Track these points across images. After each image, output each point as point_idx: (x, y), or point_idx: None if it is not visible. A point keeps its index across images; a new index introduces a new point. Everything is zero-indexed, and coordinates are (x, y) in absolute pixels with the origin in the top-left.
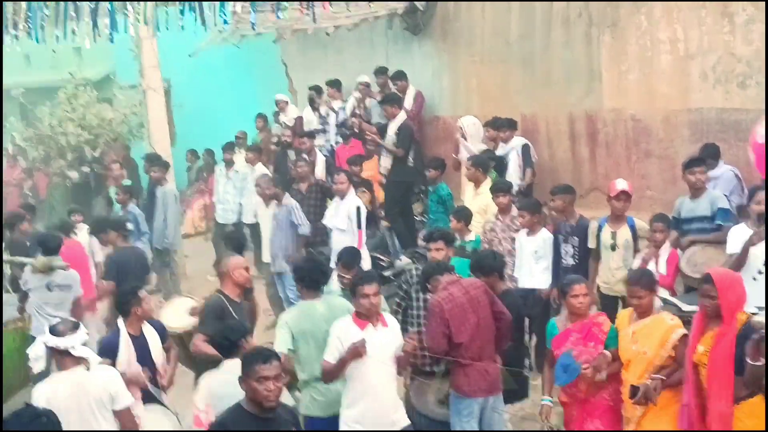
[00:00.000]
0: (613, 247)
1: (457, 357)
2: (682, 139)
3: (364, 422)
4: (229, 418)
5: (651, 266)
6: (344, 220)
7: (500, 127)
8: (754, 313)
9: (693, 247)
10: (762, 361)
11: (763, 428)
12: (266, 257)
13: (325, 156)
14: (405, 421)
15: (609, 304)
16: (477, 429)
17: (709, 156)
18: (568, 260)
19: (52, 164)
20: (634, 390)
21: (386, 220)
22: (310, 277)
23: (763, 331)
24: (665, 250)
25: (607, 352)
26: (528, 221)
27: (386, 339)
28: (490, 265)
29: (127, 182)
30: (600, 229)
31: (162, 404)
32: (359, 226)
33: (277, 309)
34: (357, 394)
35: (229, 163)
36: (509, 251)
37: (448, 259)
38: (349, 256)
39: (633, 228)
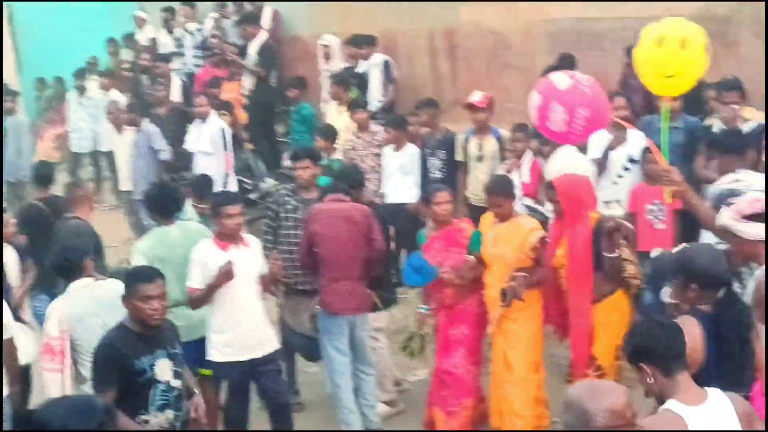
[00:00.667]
0: (480, 158)
1: (325, 274)
2: (540, 51)
3: (234, 345)
4: (114, 338)
5: (514, 176)
6: (208, 143)
7: (360, 44)
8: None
9: (554, 153)
10: (617, 252)
11: (626, 321)
12: (125, 185)
13: (182, 80)
14: (274, 341)
15: (479, 215)
16: (347, 346)
17: (564, 66)
18: (436, 173)
19: None
20: (504, 294)
21: (250, 142)
22: (161, 204)
23: (612, 223)
24: (527, 160)
25: (470, 257)
26: (393, 137)
27: (249, 259)
28: (353, 177)
29: None
30: (467, 141)
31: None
32: (225, 149)
33: (140, 236)
34: (225, 318)
35: (81, 90)
36: (372, 167)
37: (314, 178)
38: (202, 185)
39: (499, 139)
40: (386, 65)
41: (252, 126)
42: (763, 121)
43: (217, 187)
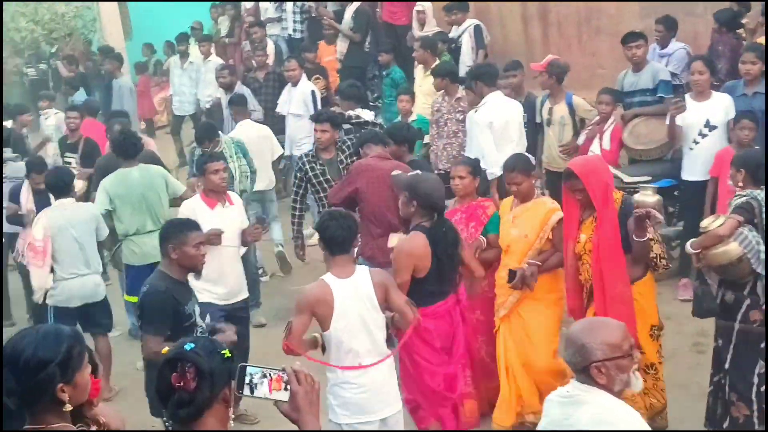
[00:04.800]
0: (548, 122)
1: (368, 229)
2: (632, 16)
3: (217, 291)
4: (165, 285)
5: (595, 142)
6: (299, 105)
7: (453, 9)
8: (634, 188)
9: (635, 119)
10: (646, 236)
11: (653, 305)
12: None
13: (278, 45)
14: (246, 290)
15: (552, 180)
16: None
17: (666, 28)
18: None
19: (8, 62)
20: (512, 274)
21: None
22: (124, 148)
23: (640, 210)
24: (610, 126)
25: (482, 238)
26: (474, 100)
27: (233, 217)
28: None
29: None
30: (542, 104)
31: None
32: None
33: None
34: (212, 268)
35: (183, 55)
36: (455, 132)
37: (332, 140)
38: (204, 131)
39: (570, 105)
40: (477, 30)
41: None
42: None
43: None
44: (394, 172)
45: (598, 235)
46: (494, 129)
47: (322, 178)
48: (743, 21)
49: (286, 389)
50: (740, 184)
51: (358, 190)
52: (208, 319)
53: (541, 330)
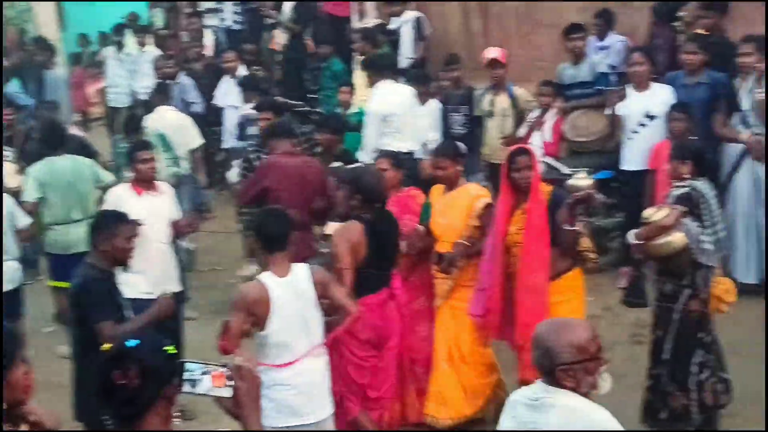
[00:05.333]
0: (490, 114)
1: None
2: (571, 8)
3: (144, 282)
4: (99, 274)
5: (536, 134)
6: (237, 97)
7: (393, 1)
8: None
9: (575, 112)
10: (576, 226)
11: (581, 299)
12: None
13: (217, 36)
14: (177, 281)
15: (494, 173)
16: None
17: (605, 21)
18: (458, 129)
19: None
20: (440, 257)
21: (283, 97)
22: (48, 139)
23: (577, 194)
24: (551, 118)
25: (420, 227)
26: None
27: (162, 206)
28: (333, 125)
29: None
30: (482, 96)
31: None
32: None
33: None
34: (136, 258)
35: (119, 46)
36: None
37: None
38: (130, 122)
39: (512, 96)
40: (418, 22)
41: (283, 82)
42: None
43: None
44: (334, 164)
45: (528, 224)
46: (384, 117)
47: None
48: (681, 14)
49: (228, 385)
50: (686, 175)
51: (268, 188)
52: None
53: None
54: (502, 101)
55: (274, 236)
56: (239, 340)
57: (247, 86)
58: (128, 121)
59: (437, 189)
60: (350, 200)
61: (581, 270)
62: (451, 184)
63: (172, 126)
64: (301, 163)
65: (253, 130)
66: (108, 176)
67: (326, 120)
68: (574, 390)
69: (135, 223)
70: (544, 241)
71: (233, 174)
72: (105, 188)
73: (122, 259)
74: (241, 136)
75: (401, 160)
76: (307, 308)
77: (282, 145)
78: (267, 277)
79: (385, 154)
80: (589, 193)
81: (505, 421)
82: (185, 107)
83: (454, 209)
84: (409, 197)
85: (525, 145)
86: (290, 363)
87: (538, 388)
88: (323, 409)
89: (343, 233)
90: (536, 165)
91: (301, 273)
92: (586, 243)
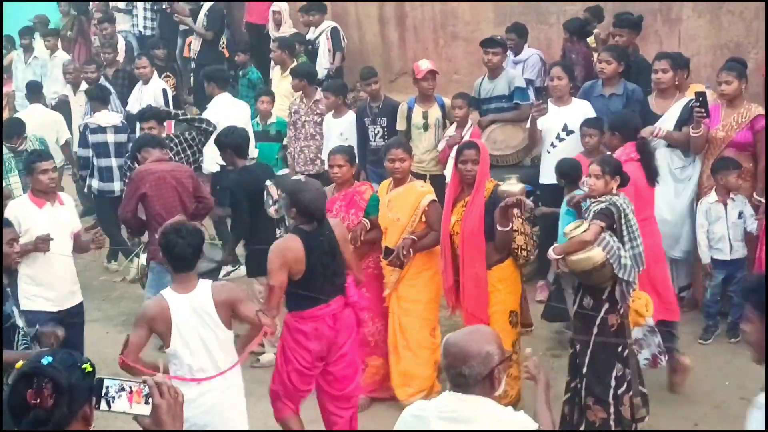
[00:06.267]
0: (426, 127)
1: (156, 229)
2: (487, 22)
3: (44, 295)
4: None
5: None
6: (151, 103)
7: (310, 11)
8: (498, 183)
9: (492, 125)
10: (509, 226)
11: (517, 288)
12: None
13: (129, 41)
14: (80, 295)
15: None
16: None
17: (518, 36)
18: (378, 142)
19: None
20: (388, 251)
21: (194, 105)
22: None
23: (510, 199)
24: (467, 131)
25: (365, 221)
26: (332, 103)
27: (63, 218)
28: (226, 141)
29: None
30: (410, 110)
31: None
32: None
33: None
34: (37, 270)
35: (27, 49)
36: (312, 134)
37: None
38: (12, 127)
39: (443, 107)
40: (334, 32)
41: (197, 89)
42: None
43: None
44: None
45: (464, 218)
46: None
47: None
48: (594, 31)
49: (147, 402)
50: (614, 190)
51: (145, 196)
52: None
53: (419, 305)
54: (435, 112)
55: (183, 257)
56: (138, 355)
57: (95, 98)
58: (9, 126)
59: (385, 183)
60: (288, 211)
61: (514, 263)
62: (403, 178)
63: (42, 123)
64: (173, 168)
65: (95, 138)
66: None
67: (218, 138)
68: (490, 394)
69: (14, 228)
70: (480, 236)
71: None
72: None
73: (6, 265)
74: (83, 143)
75: (355, 157)
76: (205, 326)
77: (152, 154)
78: (168, 293)
79: (340, 149)
80: (520, 198)
81: None
82: None
83: (401, 205)
84: (356, 192)
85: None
86: (195, 380)
87: (449, 399)
88: (236, 428)
89: (276, 248)
90: (483, 160)
91: (202, 290)
92: (520, 240)
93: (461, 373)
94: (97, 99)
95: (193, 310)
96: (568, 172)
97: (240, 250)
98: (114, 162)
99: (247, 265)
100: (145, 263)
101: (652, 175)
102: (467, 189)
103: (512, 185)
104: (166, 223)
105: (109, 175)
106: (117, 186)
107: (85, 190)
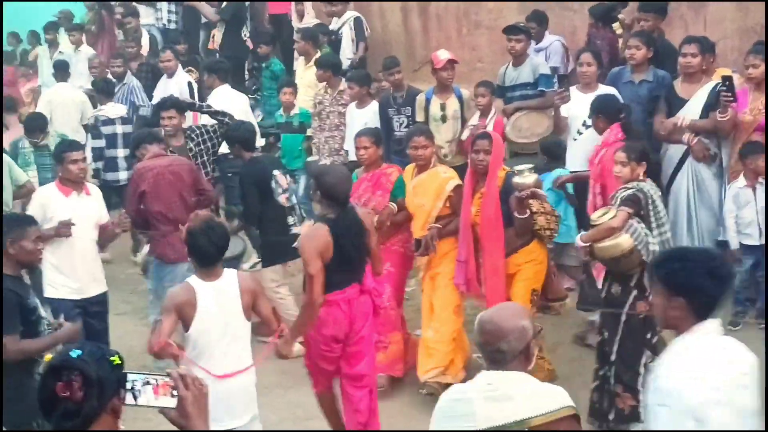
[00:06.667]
0: (444, 119)
1: (157, 228)
2: (511, 10)
3: (68, 284)
4: (7, 282)
5: None
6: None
7: (333, 0)
8: (513, 173)
9: (517, 113)
10: (527, 213)
11: (543, 268)
12: None
13: (153, 35)
14: (104, 283)
15: None
16: None
17: (538, 24)
18: (402, 131)
19: None
20: (418, 243)
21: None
22: None
23: (524, 192)
24: (490, 120)
25: (392, 204)
26: (356, 93)
27: (89, 207)
28: (234, 136)
29: None
30: (428, 101)
31: None
32: None
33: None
34: (62, 258)
35: (52, 44)
36: (337, 125)
37: (179, 127)
38: (34, 122)
39: (461, 98)
40: (357, 22)
41: None
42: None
43: None
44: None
45: (483, 208)
46: None
47: None
48: (619, 16)
49: (173, 395)
50: (641, 177)
51: (144, 193)
52: (62, 317)
53: (444, 284)
54: (453, 104)
55: (206, 253)
56: (167, 340)
57: (101, 90)
58: (31, 121)
59: (410, 169)
60: (314, 195)
61: (540, 243)
62: (425, 164)
63: (67, 101)
64: (171, 162)
65: (106, 129)
66: (22, 175)
67: (226, 134)
68: (524, 369)
69: (39, 226)
70: (498, 225)
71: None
72: (20, 187)
73: (30, 262)
74: (95, 134)
75: (381, 138)
76: (232, 314)
77: (151, 150)
78: (195, 281)
79: (365, 131)
80: (534, 190)
81: (463, 420)
82: (133, 110)
83: (426, 190)
84: (382, 174)
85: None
86: (209, 372)
87: (489, 378)
88: (238, 419)
89: (308, 238)
90: (496, 151)
91: (229, 279)
92: (542, 221)
93: (499, 349)
94: (103, 91)
95: (217, 296)
96: (550, 147)
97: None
98: (120, 152)
99: (262, 255)
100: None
101: None
102: (482, 179)
103: (525, 177)
104: (192, 218)
105: (114, 164)
106: (123, 176)
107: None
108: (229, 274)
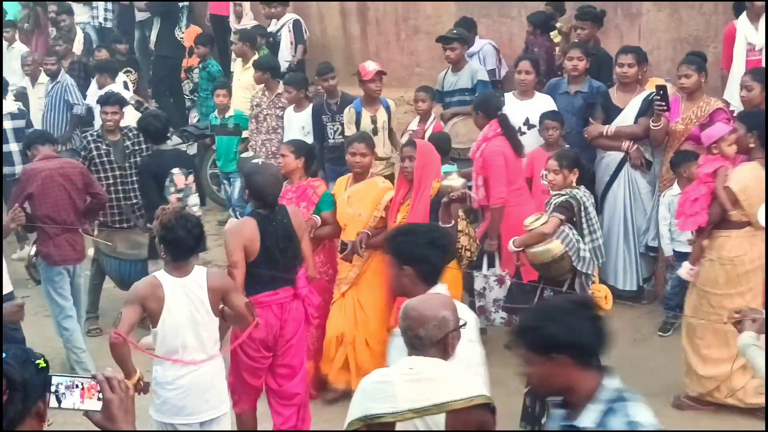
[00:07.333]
0: (375, 131)
1: (44, 229)
2: (449, 16)
3: None
4: None
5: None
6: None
7: (272, 2)
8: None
9: (455, 118)
10: (452, 223)
11: (456, 291)
12: None
13: (87, 33)
14: (9, 286)
15: None
16: (69, 292)
17: (467, 29)
18: (337, 138)
19: None
20: (344, 245)
21: (154, 98)
22: None
23: (454, 194)
24: (430, 125)
25: (316, 217)
26: (294, 96)
27: None
28: (142, 127)
29: None
30: (359, 114)
31: None
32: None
33: None
34: None
35: None
36: (274, 128)
37: (119, 123)
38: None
39: (388, 108)
40: (296, 24)
41: (155, 82)
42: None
43: None
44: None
45: (409, 216)
46: None
47: (105, 159)
48: (557, 24)
49: (99, 398)
50: (573, 184)
51: (32, 196)
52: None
53: (375, 304)
54: (382, 115)
55: (181, 245)
56: (130, 331)
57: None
58: None
59: (343, 180)
60: (245, 193)
61: (457, 263)
62: (363, 173)
63: None
64: (62, 165)
65: None
66: None
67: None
68: (442, 358)
69: None
70: None
71: None
72: None
73: None
74: None
75: (302, 149)
76: (198, 311)
77: (42, 151)
78: (162, 275)
79: (288, 141)
80: (463, 192)
81: (391, 405)
82: (66, 108)
83: (361, 201)
84: (309, 186)
85: (422, 141)
86: (178, 362)
87: (409, 362)
88: (214, 409)
89: (234, 229)
90: (422, 158)
91: (198, 276)
92: (464, 241)
93: (417, 335)
94: None
95: (186, 293)
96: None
97: None
98: (14, 147)
99: (149, 248)
100: (33, 254)
101: (517, 146)
102: (412, 187)
103: (453, 180)
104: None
105: (9, 160)
106: (18, 170)
107: None
108: (198, 271)
